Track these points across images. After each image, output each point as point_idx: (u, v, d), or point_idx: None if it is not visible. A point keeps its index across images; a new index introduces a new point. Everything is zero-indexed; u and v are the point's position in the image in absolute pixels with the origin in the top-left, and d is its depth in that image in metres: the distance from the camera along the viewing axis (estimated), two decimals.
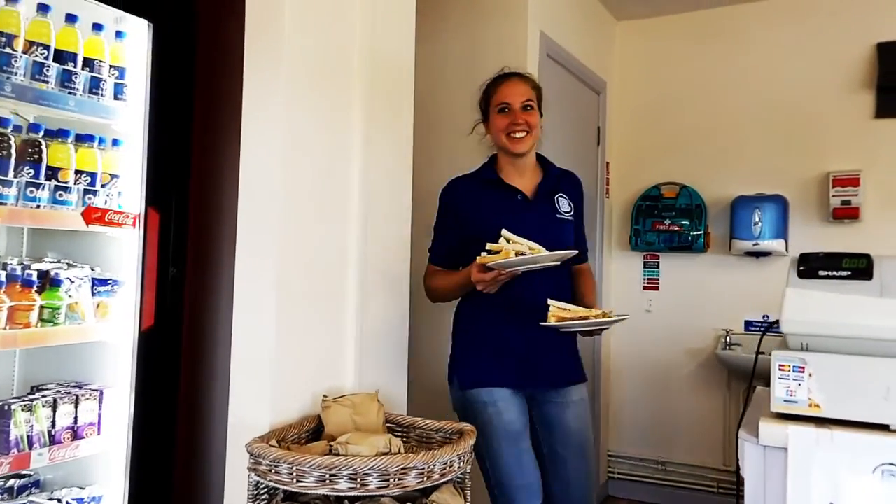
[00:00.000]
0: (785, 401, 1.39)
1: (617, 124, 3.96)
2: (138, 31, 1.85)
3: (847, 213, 3.34)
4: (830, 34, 3.46)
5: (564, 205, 2.02)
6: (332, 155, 1.85)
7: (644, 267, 3.86)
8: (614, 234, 3.93)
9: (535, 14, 2.94)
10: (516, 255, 1.61)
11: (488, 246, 1.66)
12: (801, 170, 3.51)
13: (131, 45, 1.86)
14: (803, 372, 1.37)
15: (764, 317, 3.57)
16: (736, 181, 3.65)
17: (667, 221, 3.69)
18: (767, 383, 1.43)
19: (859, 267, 1.37)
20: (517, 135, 1.91)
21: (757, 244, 3.42)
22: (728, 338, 3.58)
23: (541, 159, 2.07)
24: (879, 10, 3.36)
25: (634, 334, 3.86)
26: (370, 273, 1.91)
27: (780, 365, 1.40)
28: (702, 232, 3.60)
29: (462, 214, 1.94)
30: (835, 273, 1.38)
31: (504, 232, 1.66)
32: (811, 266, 1.40)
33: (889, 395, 1.28)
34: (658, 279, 3.83)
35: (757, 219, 3.42)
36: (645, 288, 3.86)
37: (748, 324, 3.61)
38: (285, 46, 1.69)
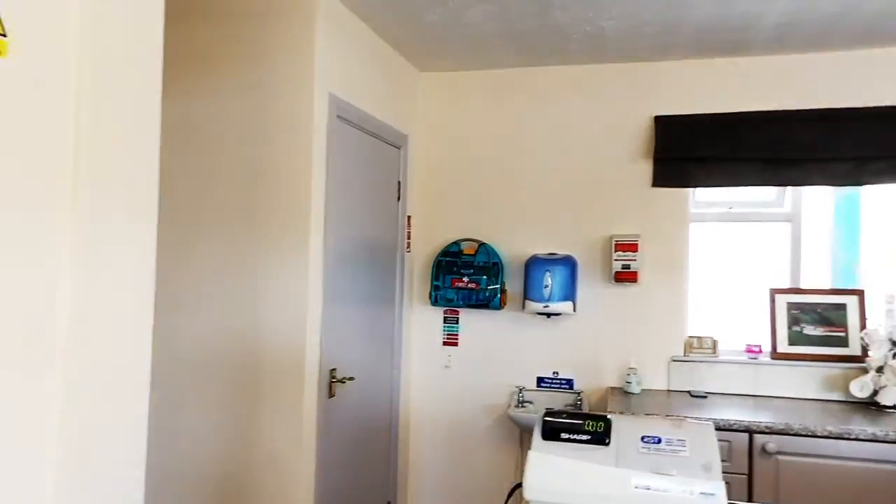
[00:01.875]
0: None
1: (420, 177, 3.90)
2: None
3: (626, 277, 3.52)
4: (616, 104, 3.64)
5: None
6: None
7: (444, 322, 3.84)
8: (416, 289, 3.87)
9: (323, 76, 2.76)
10: None
11: None
12: (590, 232, 3.67)
13: None
14: None
15: (554, 373, 3.69)
16: (532, 240, 3.73)
17: (465, 278, 3.69)
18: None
19: (598, 431, 1.34)
20: None
21: (547, 306, 3.51)
22: (521, 394, 3.65)
23: None
24: (657, 85, 3.59)
25: (434, 390, 3.83)
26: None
27: None
28: (498, 290, 3.64)
29: None
30: (576, 437, 1.34)
31: None
32: (554, 427, 1.36)
33: None
34: (458, 335, 3.83)
35: (548, 281, 3.51)
36: (445, 343, 3.84)
37: (540, 380, 3.70)
38: None
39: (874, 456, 2.76)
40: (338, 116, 2.89)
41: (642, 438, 1.35)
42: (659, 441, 1.33)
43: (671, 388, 3.53)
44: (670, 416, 1.44)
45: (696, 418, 2.92)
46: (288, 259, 2.69)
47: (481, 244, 3.73)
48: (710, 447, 1.34)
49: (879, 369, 3.17)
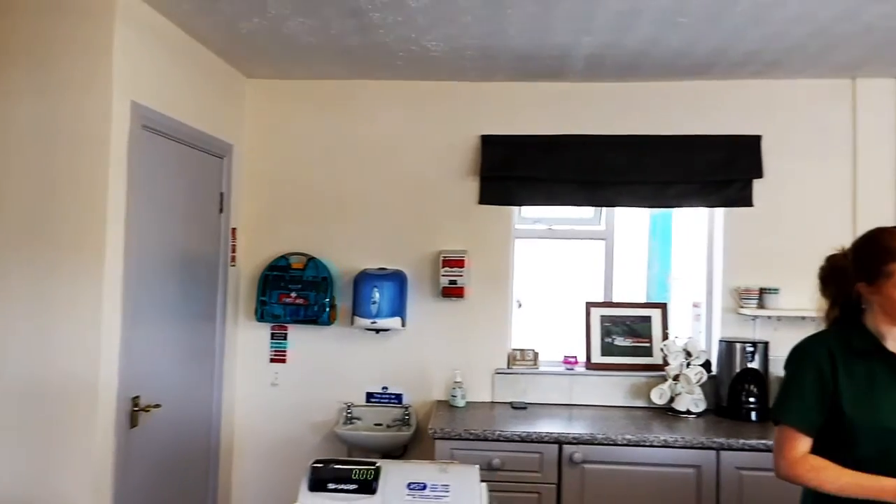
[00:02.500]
0: None
1: (248, 188, 3.74)
2: None
3: (453, 292, 3.59)
4: (445, 122, 3.69)
5: None
6: None
7: (271, 339, 3.72)
8: (241, 305, 3.72)
9: (125, 84, 2.56)
10: None
11: None
12: (419, 247, 3.69)
13: None
14: None
15: (384, 388, 3.69)
16: (363, 254, 3.70)
17: (293, 294, 3.59)
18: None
19: (366, 479, 1.33)
20: None
21: (375, 321, 3.50)
22: (350, 411, 3.61)
23: None
24: (483, 105, 3.68)
25: (260, 409, 3.70)
26: None
27: None
28: (328, 305, 3.58)
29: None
30: (343, 487, 1.32)
31: None
32: (321, 477, 1.33)
33: None
34: (286, 351, 3.72)
35: (376, 296, 3.50)
36: (272, 360, 3.72)
37: (370, 395, 3.69)
38: None
39: (667, 460, 2.99)
40: (143, 126, 2.69)
41: (408, 485, 1.35)
42: (424, 487, 1.34)
43: (495, 400, 3.65)
44: (440, 461, 1.46)
45: (514, 432, 3.02)
46: (79, 278, 2.47)
47: (311, 258, 3.64)
48: (472, 491, 1.36)
49: (676, 378, 3.45)
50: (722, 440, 2.97)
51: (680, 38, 2.93)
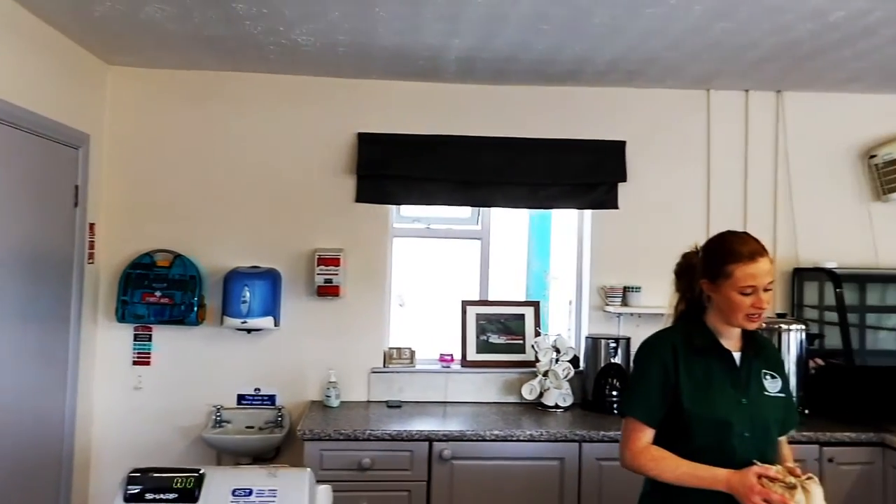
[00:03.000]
0: None
1: (108, 181, 3.53)
2: None
3: (329, 291, 3.54)
4: (321, 118, 3.63)
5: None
6: None
7: (134, 340, 3.53)
8: (101, 304, 3.51)
9: None
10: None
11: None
12: (294, 245, 3.62)
13: None
14: None
15: (256, 389, 3.59)
16: (235, 252, 3.59)
17: (158, 293, 3.43)
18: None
19: (187, 487, 1.28)
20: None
21: (245, 321, 3.40)
22: (219, 414, 3.49)
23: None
24: (360, 102, 3.65)
25: (122, 414, 3.51)
26: None
27: None
28: (195, 304, 3.44)
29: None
30: (162, 497, 1.26)
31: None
32: (139, 487, 1.27)
33: None
34: (150, 353, 3.54)
35: (247, 296, 3.40)
36: (135, 363, 3.53)
37: (241, 397, 3.58)
38: None
39: (533, 454, 3.08)
40: None
41: (233, 492, 1.31)
42: (250, 493, 1.31)
43: (371, 399, 3.63)
44: (271, 466, 1.43)
45: (387, 432, 3.02)
46: None
47: (178, 256, 3.49)
48: (301, 495, 1.34)
49: (545, 374, 3.56)
50: (584, 433, 3.09)
51: (545, 45, 3.02)
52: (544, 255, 5.17)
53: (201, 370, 3.55)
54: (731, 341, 1.93)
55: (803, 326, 3.36)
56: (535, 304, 3.88)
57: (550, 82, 3.62)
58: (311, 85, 3.63)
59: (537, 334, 3.75)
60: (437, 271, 4.33)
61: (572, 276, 3.92)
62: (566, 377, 3.53)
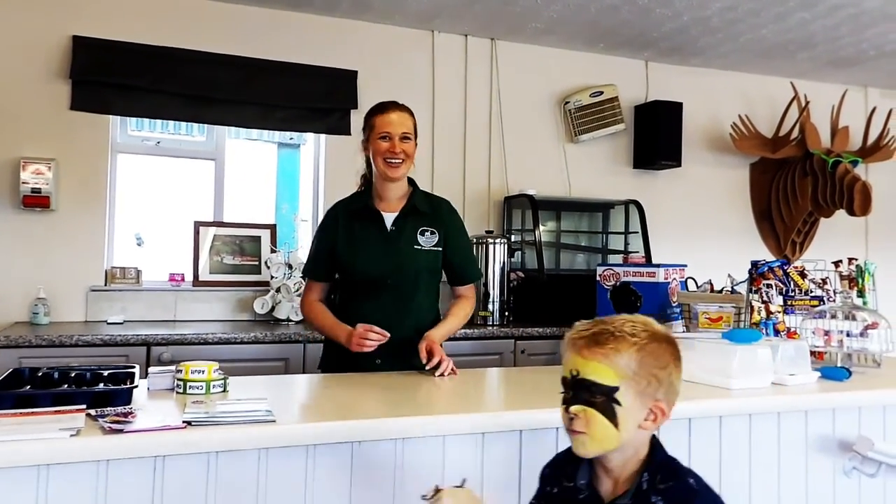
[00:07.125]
0: None
1: None
2: None
3: (37, 202, 3.28)
4: (26, 21, 3.34)
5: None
6: None
7: None
8: None
9: None
10: None
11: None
12: None
13: None
14: None
15: None
16: None
17: None
18: None
19: None
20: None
21: None
22: None
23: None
24: (76, 2, 3.42)
25: None
26: None
27: None
28: None
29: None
30: None
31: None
32: None
33: None
34: None
35: None
36: None
37: None
38: None
39: (259, 355, 3.15)
40: None
41: None
42: None
43: (89, 319, 3.44)
44: None
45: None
46: None
47: None
48: None
49: (278, 289, 3.66)
50: (308, 333, 3.24)
51: None
52: (293, 199, 5.26)
53: None
54: (391, 203, 2.22)
55: (506, 241, 3.85)
56: (272, 227, 3.95)
57: (286, 6, 3.71)
58: None
59: (273, 252, 3.83)
60: (172, 193, 4.20)
61: (310, 204, 4.05)
62: (297, 291, 3.66)
